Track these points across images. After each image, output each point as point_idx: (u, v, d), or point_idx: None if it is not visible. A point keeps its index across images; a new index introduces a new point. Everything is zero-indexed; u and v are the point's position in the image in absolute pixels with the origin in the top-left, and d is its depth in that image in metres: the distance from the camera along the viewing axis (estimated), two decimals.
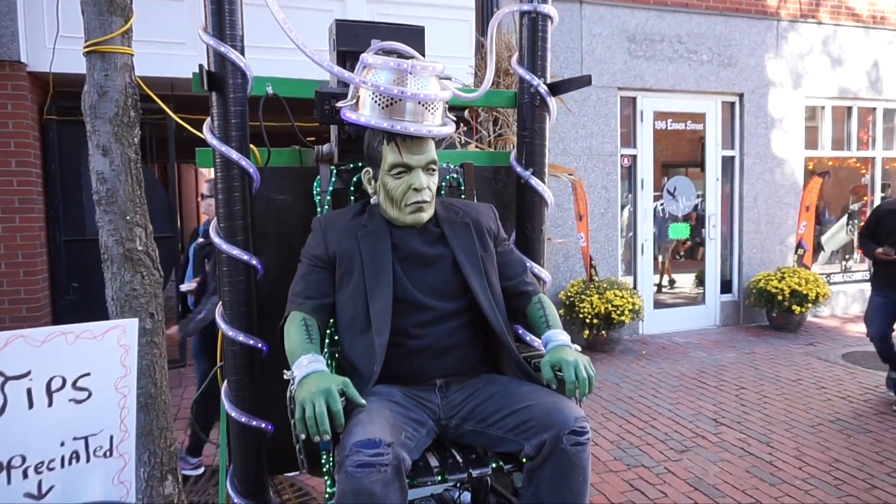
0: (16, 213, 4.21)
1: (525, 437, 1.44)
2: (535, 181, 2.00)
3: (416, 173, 1.58)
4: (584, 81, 1.87)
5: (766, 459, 3.28)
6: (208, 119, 1.75)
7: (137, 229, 2.28)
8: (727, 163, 6.45)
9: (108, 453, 1.27)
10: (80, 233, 4.61)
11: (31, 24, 4.26)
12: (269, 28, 2.40)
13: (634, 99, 6.07)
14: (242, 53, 1.70)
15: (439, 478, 1.45)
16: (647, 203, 6.20)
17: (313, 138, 2.63)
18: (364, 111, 1.57)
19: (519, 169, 2.03)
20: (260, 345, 1.82)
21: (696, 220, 6.45)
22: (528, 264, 1.86)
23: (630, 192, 6.19)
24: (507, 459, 1.51)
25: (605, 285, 5.39)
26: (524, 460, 1.46)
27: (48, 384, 1.17)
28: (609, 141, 5.91)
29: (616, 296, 5.24)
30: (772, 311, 6.12)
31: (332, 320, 1.80)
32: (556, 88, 1.97)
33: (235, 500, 1.87)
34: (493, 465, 1.50)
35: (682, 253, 6.61)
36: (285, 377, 1.39)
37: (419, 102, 1.54)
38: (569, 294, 5.49)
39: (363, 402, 1.33)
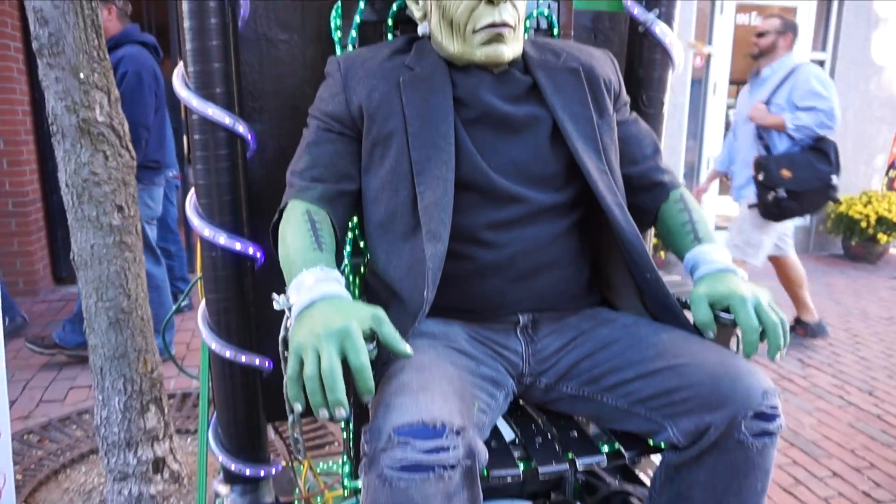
0: None
1: (669, 415, 0.88)
2: (660, 28, 1.35)
3: None
4: None
5: (872, 412, 2.73)
6: None
7: (97, 93, 1.69)
8: None
9: None
10: None
11: None
12: None
13: None
14: None
15: (522, 466, 0.90)
16: (717, 111, 5.40)
17: None
18: None
19: (637, 11, 1.36)
20: (251, 250, 1.26)
21: None
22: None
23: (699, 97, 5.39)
24: (628, 442, 0.96)
25: None
26: (662, 446, 0.91)
27: None
28: (680, 33, 5.05)
29: None
30: (850, 240, 5.42)
31: (355, 217, 1.21)
32: None
33: (221, 460, 1.37)
34: (608, 450, 0.94)
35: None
36: (276, 305, 0.83)
37: None
38: None
39: (408, 350, 0.78)
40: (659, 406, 0.89)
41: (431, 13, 1.03)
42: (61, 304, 3.86)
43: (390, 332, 0.77)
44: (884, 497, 2.11)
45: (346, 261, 1.24)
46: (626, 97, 1.16)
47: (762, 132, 3.24)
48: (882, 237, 5.18)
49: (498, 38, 0.98)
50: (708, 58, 5.31)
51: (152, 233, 3.11)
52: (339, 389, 0.69)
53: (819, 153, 3.16)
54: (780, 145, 3.19)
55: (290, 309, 0.82)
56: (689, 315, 1.02)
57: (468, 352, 0.95)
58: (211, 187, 1.20)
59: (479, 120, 1.01)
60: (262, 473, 1.41)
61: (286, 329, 0.82)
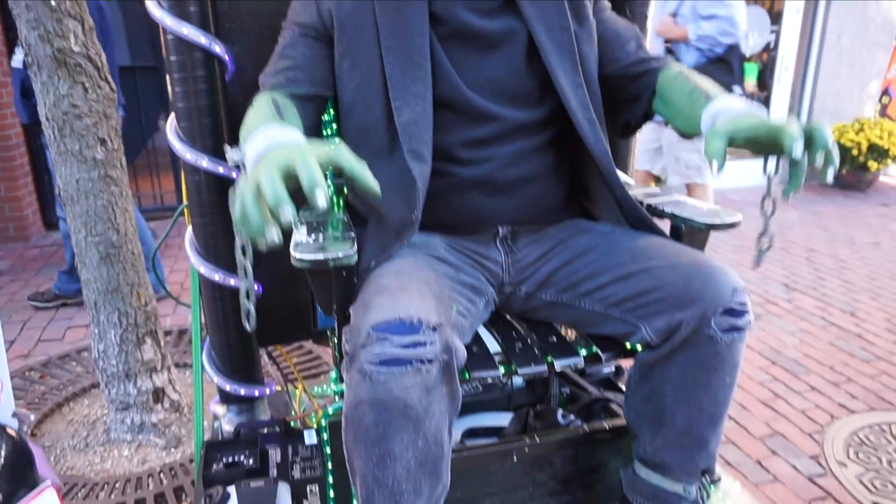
0: None
1: (642, 316, 0.91)
2: None
3: None
4: None
5: (853, 332, 2.81)
6: None
7: (70, 21, 1.65)
8: None
9: None
10: None
11: None
12: None
13: None
14: None
15: (503, 369, 0.94)
16: None
17: None
18: None
19: None
20: (235, 173, 1.26)
21: (767, 59, 5.56)
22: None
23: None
24: (605, 345, 0.99)
25: None
26: (639, 347, 0.94)
27: None
28: None
29: None
30: (841, 168, 5.42)
31: (335, 127, 1.21)
32: None
33: (216, 381, 1.41)
34: (585, 353, 0.98)
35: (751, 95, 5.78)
36: (229, 159, 0.82)
37: None
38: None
39: (375, 186, 0.73)
40: (633, 307, 0.92)
41: None
42: (53, 248, 3.86)
43: (355, 164, 0.71)
44: (859, 408, 2.20)
45: (328, 181, 1.24)
46: None
47: (672, 46, 3.16)
48: (872, 164, 5.19)
49: None
50: None
51: None
52: (279, 193, 0.63)
53: (722, 63, 3.06)
54: (689, 58, 3.09)
55: (243, 164, 0.78)
56: (664, 226, 1.04)
57: (448, 260, 0.97)
58: (191, 110, 1.19)
59: (454, 35, 0.99)
60: (256, 393, 1.45)
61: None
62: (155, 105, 4.27)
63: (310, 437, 1.36)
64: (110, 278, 1.86)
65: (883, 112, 5.43)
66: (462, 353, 0.80)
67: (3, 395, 0.82)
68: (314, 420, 1.63)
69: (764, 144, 0.83)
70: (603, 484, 1.16)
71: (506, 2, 1.02)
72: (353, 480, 0.82)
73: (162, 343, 2.03)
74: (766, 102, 5.68)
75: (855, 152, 5.17)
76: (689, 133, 1.01)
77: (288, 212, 0.63)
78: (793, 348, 2.65)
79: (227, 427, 1.46)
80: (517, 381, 1.48)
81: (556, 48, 1.00)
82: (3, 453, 0.66)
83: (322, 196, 0.64)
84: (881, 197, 5.33)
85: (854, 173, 5.36)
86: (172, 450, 2.01)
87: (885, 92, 5.44)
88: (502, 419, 1.32)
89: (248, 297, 0.82)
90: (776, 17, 5.44)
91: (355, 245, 0.81)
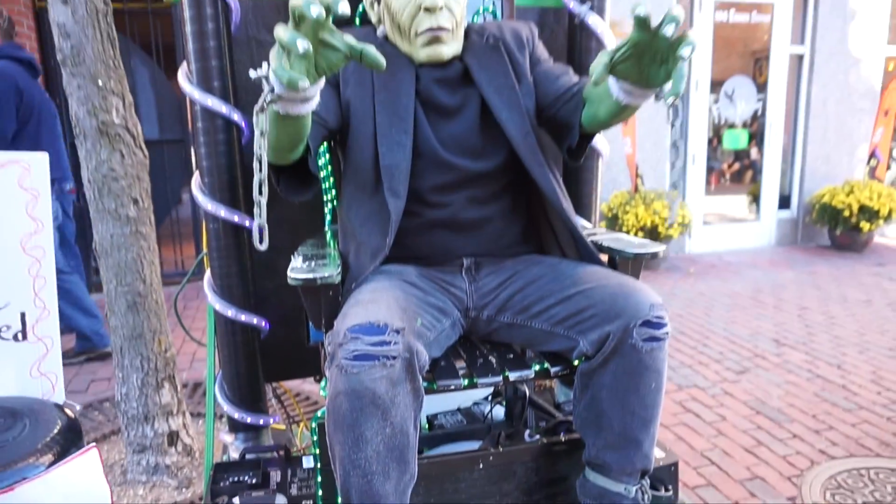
0: None
1: (580, 331, 1.08)
2: (593, 20, 1.56)
3: None
4: None
5: (838, 383, 2.90)
6: None
7: (113, 98, 1.92)
8: (795, 62, 5.76)
9: (19, 335, 0.95)
10: None
11: None
12: None
13: None
14: None
15: (466, 381, 1.11)
16: (701, 106, 5.61)
17: None
18: None
19: (572, 5, 1.58)
20: (248, 222, 1.48)
21: (756, 127, 5.83)
22: None
23: (684, 93, 5.60)
24: (554, 360, 1.16)
25: (652, 196, 4.93)
26: (578, 361, 1.11)
27: None
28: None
29: (664, 206, 4.78)
30: (835, 229, 5.58)
31: (333, 191, 1.43)
32: None
33: (226, 409, 1.58)
34: (537, 368, 1.15)
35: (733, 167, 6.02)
36: (253, 74, 0.91)
37: None
38: (611, 206, 5.04)
39: (381, 60, 0.87)
40: (573, 324, 1.09)
41: (384, 17, 1.25)
42: None
43: (363, 47, 0.85)
44: (839, 454, 2.29)
45: (327, 227, 1.45)
46: (541, 51, 1.33)
47: None
48: (865, 225, 5.34)
49: (437, 41, 1.19)
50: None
51: None
52: None
53: None
54: None
55: (266, 78, 0.88)
56: (603, 257, 1.22)
57: (418, 284, 1.15)
58: (213, 168, 1.42)
59: (427, 103, 1.22)
60: (261, 422, 1.62)
61: (264, 100, 0.88)
62: (180, 176, 4.59)
63: (308, 462, 1.51)
64: (135, 325, 2.05)
65: (872, 174, 5.63)
66: (423, 356, 0.97)
67: (57, 385, 1.00)
68: (312, 453, 1.78)
69: (642, 48, 0.90)
70: (565, 496, 1.29)
71: (464, 74, 1.25)
72: (334, 466, 0.98)
73: (179, 388, 2.20)
74: (758, 166, 5.92)
75: (847, 213, 5.34)
76: (609, 113, 1.06)
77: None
78: (778, 399, 2.75)
79: (234, 454, 1.62)
80: (497, 412, 1.63)
81: (505, 105, 1.21)
82: (60, 424, 0.84)
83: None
84: (876, 257, 5.45)
85: (848, 234, 5.51)
86: (184, 490, 2.14)
87: (873, 155, 5.66)
88: (472, 446, 1.47)
89: (260, 239, 0.95)
90: (762, 87, 5.76)
91: (340, 270, 1.00)
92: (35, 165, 0.91)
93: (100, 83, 1.86)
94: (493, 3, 1.52)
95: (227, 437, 1.66)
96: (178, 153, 4.51)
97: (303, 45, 0.80)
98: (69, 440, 0.82)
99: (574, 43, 1.61)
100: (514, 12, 1.55)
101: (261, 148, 0.90)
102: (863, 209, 5.32)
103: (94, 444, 0.80)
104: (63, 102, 4.22)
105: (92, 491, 0.77)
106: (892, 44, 6.02)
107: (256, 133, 0.89)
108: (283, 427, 1.91)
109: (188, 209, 4.89)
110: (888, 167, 6.09)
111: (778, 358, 3.22)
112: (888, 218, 5.37)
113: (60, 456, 0.77)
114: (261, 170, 0.91)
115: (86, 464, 0.76)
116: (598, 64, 0.90)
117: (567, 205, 1.20)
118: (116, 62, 1.92)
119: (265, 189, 0.93)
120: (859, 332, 3.60)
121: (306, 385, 2.79)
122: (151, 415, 2.13)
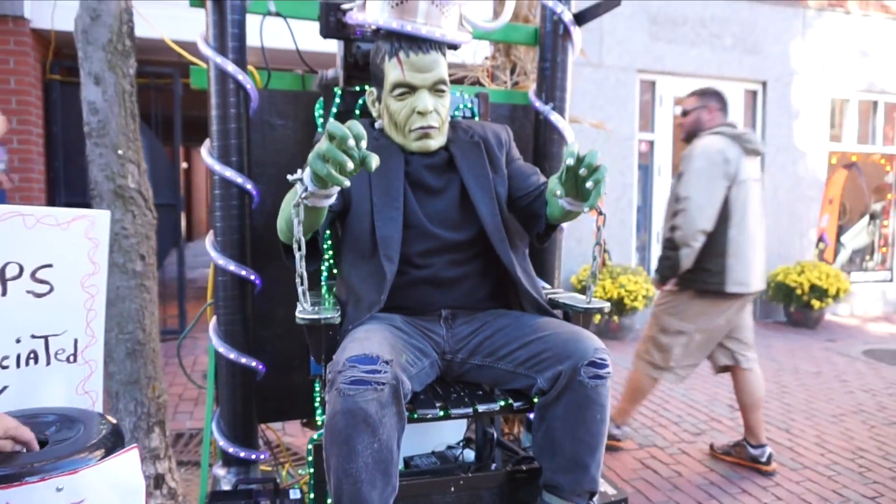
0: (15, 174, 4.10)
1: (538, 371, 1.30)
2: (554, 117, 1.86)
3: (421, 95, 1.43)
4: (613, 4, 1.72)
5: (786, 445, 3.12)
6: (202, 29, 1.63)
7: (130, 165, 2.16)
8: None
9: (71, 358, 1.13)
10: (82, 196, 4.49)
11: None
12: None
13: (654, 82, 5.91)
14: None
15: (441, 412, 1.31)
16: (663, 189, 6.03)
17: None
18: (372, 12, 1.43)
19: (538, 104, 1.89)
20: (253, 277, 1.69)
21: None
22: None
23: (647, 178, 6.03)
24: (517, 397, 1.37)
25: (618, 270, 5.23)
26: (536, 397, 1.32)
27: (2, 270, 1.03)
28: (626, 124, 5.74)
29: (630, 280, 5.08)
30: (790, 307, 5.93)
31: (331, 252, 1.66)
32: (582, 16, 1.83)
33: (221, 444, 1.74)
34: (502, 403, 1.35)
35: None
36: (290, 178, 1.13)
37: (433, 2, 1.40)
38: (581, 278, 5.33)
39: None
40: (532, 364, 1.30)
41: (383, 114, 1.51)
42: None
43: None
44: None
45: (323, 283, 1.67)
46: (515, 152, 1.61)
47: None
48: (816, 303, 5.70)
49: (426, 136, 1.45)
50: (651, 144, 5.99)
51: None
52: (356, 128, 1.02)
53: None
54: None
55: (301, 181, 1.11)
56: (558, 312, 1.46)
57: (403, 329, 1.36)
58: (226, 229, 1.64)
59: (415, 183, 1.47)
60: (252, 457, 1.77)
61: (300, 196, 1.11)
62: (169, 238, 4.79)
63: (294, 494, 1.66)
64: (132, 371, 2.20)
65: (821, 256, 6.04)
66: (407, 385, 1.18)
67: (97, 401, 1.17)
68: (297, 487, 1.92)
69: (573, 176, 1.21)
70: None
71: (448, 161, 1.51)
72: (329, 476, 1.16)
73: (167, 432, 2.33)
74: None
75: (799, 292, 5.70)
76: (560, 214, 1.37)
77: (356, 145, 1.03)
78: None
79: (227, 487, 1.76)
80: (468, 455, 1.81)
81: (480, 189, 1.47)
82: (106, 429, 1.02)
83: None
84: (828, 333, 5.78)
85: (801, 311, 5.85)
86: None
87: (821, 239, 6.09)
88: None
89: (304, 300, 1.18)
90: None
91: (339, 313, 1.21)
92: (99, 220, 1.12)
93: (120, 152, 2.10)
94: (472, 101, 1.82)
95: (220, 471, 1.80)
96: (168, 217, 4.72)
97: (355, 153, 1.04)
98: (114, 441, 1.00)
99: (539, 133, 1.91)
100: (489, 109, 1.84)
101: (299, 233, 1.14)
102: (813, 288, 5.68)
103: (135, 444, 0.98)
104: (62, 166, 4.45)
105: (132, 482, 0.94)
106: (833, 141, 6.59)
107: (295, 222, 1.13)
108: (269, 468, 2.05)
109: (174, 270, 5.05)
110: (836, 251, 6.53)
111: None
112: (836, 297, 5.73)
113: (108, 452, 0.94)
114: (300, 248, 1.14)
115: (128, 460, 0.94)
116: (552, 183, 1.24)
117: (522, 273, 1.45)
118: (135, 134, 2.16)
119: (303, 263, 1.16)
120: (808, 400, 3.85)
121: (286, 438, 2.91)
122: (140, 457, 2.25)
